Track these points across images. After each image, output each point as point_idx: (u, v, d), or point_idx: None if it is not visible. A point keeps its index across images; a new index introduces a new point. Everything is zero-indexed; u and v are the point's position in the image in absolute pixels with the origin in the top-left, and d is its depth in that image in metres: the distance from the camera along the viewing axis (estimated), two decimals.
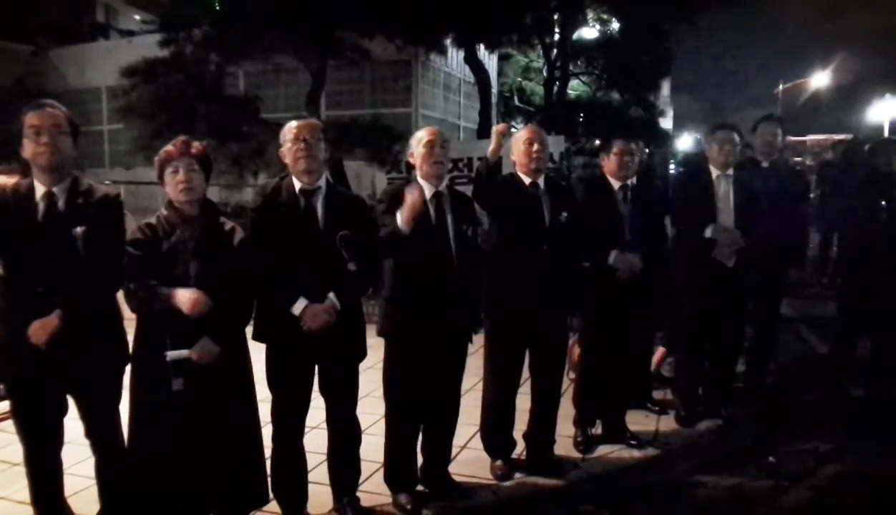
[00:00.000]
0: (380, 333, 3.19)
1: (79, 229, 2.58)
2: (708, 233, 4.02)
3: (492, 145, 3.26)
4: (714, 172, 4.15)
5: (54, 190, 2.62)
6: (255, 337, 2.95)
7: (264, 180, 3.02)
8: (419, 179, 3.18)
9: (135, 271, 2.63)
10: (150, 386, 2.70)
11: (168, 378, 2.62)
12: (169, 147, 2.74)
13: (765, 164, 4.61)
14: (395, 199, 3.10)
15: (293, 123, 2.96)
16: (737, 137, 4.15)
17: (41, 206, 2.60)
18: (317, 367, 3.00)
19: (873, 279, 4.34)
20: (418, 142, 3.17)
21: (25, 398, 2.67)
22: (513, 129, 3.49)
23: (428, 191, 3.15)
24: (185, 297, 2.57)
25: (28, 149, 2.59)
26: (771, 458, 3.98)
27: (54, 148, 2.57)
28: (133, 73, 8.05)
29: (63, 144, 2.61)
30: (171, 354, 2.61)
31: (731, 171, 4.15)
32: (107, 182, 2.85)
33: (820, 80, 31.20)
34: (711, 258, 4.02)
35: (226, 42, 7.81)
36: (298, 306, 2.82)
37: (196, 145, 2.78)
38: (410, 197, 2.91)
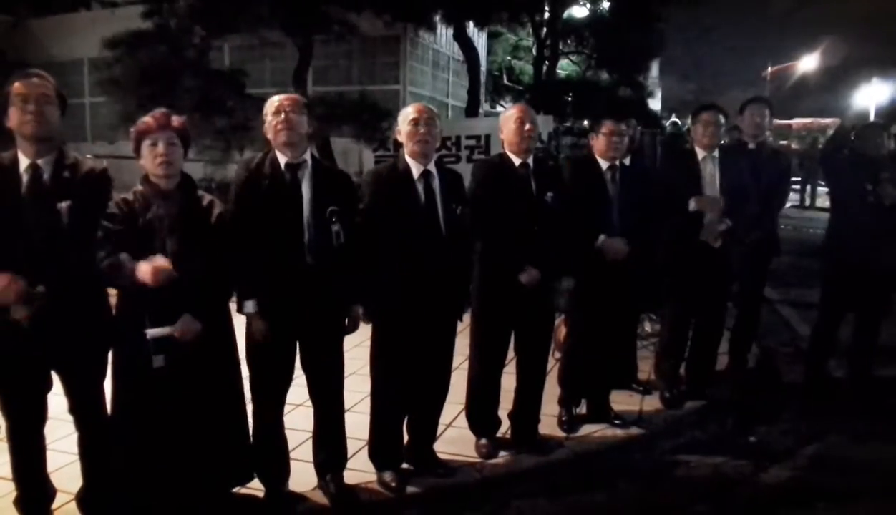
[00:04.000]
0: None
1: (64, 203, 2.53)
2: (692, 205, 4.01)
3: None
4: (700, 153, 4.15)
5: (39, 162, 2.56)
6: (239, 310, 2.93)
7: (250, 156, 2.98)
8: (406, 157, 3.15)
9: (108, 245, 2.58)
10: (131, 364, 2.68)
11: (149, 355, 2.60)
12: (147, 118, 2.68)
13: (751, 146, 4.62)
14: (377, 182, 3.10)
15: (275, 97, 2.93)
16: (722, 118, 4.14)
17: (25, 179, 2.54)
18: (298, 343, 2.99)
19: (858, 262, 4.37)
20: (404, 118, 3.13)
21: (9, 373, 2.63)
22: (500, 109, 3.47)
23: (416, 170, 3.13)
24: (145, 269, 2.49)
25: (14, 118, 2.53)
26: (752, 438, 4.03)
27: (41, 117, 2.52)
28: (116, 45, 7.88)
29: (50, 114, 2.56)
30: (152, 332, 2.59)
31: (716, 153, 4.15)
32: (89, 156, 2.79)
33: (807, 63, 31.29)
34: (698, 239, 4.04)
35: (210, 14, 7.67)
36: (249, 307, 2.83)
37: (176, 119, 2.73)
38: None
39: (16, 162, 2.56)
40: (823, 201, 7.17)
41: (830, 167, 4.96)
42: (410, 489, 3.23)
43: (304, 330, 2.93)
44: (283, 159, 2.89)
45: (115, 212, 2.63)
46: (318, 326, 2.94)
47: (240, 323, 2.93)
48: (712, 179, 4.11)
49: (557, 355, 4.33)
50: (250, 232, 2.81)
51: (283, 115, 2.85)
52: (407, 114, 3.14)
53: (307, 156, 2.94)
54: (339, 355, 3.08)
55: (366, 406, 3.34)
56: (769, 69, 31.11)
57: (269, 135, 2.91)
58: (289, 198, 2.86)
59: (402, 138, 3.16)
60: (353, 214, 2.99)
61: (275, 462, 3.06)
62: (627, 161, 3.93)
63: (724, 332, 4.68)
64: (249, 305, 2.85)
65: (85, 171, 2.64)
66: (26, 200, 2.53)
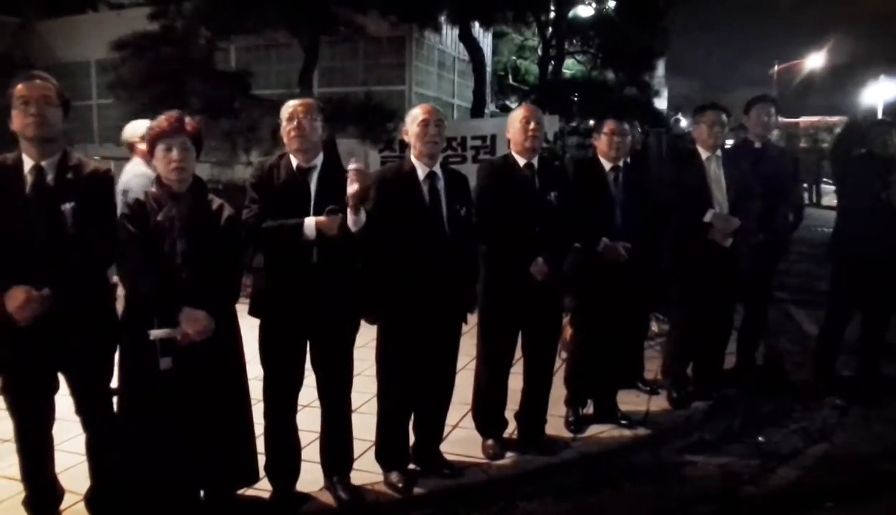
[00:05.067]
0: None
1: (68, 205, 2.54)
2: (707, 217, 4.01)
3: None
4: (703, 154, 4.13)
5: (43, 164, 2.56)
6: (251, 312, 2.96)
7: (256, 157, 3.02)
8: (413, 158, 3.15)
9: (130, 253, 2.62)
10: (137, 366, 2.69)
11: (156, 357, 2.61)
12: (162, 121, 2.69)
13: (757, 145, 4.59)
14: (382, 185, 3.09)
15: (290, 103, 2.95)
16: (724, 117, 4.12)
17: (29, 180, 2.55)
18: (309, 343, 3.00)
19: (866, 261, 4.35)
20: (413, 120, 3.13)
21: (16, 374, 2.64)
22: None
23: (421, 171, 3.13)
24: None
25: (16, 120, 2.54)
26: (760, 438, 4.02)
27: (42, 119, 2.52)
28: (122, 47, 7.91)
29: (52, 116, 2.56)
30: (155, 333, 2.59)
31: (719, 152, 4.13)
32: (96, 157, 2.80)
33: (814, 61, 31.16)
34: (707, 240, 4.01)
35: (216, 16, 7.68)
36: (309, 224, 2.80)
37: (190, 122, 2.74)
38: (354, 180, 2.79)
39: (20, 163, 2.57)
40: (830, 200, 7.19)
41: (841, 165, 4.93)
42: (417, 490, 3.23)
43: (315, 330, 2.94)
44: (295, 162, 2.92)
45: (127, 214, 2.65)
46: (329, 326, 2.95)
47: (248, 325, 2.93)
48: (717, 179, 4.09)
49: (564, 355, 4.32)
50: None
51: (295, 122, 2.88)
52: (416, 115, 3.14)
53: (318, 160, 2.95)
54: (349, 355, 3.09)
55: (372, 406, 3.34)
56: (776, 67, 31.02)
57: (284, 140, 2.94)
58: (298, 200, 2.88)
59: (409, 139, 3.17)
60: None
61: (286, 463, 3.07)
62: (628, 160, 3.92)
63: (732, 331, 4.67)
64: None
65: (88, 172, 2.65)
66: (30, 202, 2.54)
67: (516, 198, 3.39)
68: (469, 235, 3.24)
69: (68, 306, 2.52)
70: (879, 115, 21.10)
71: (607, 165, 3.81)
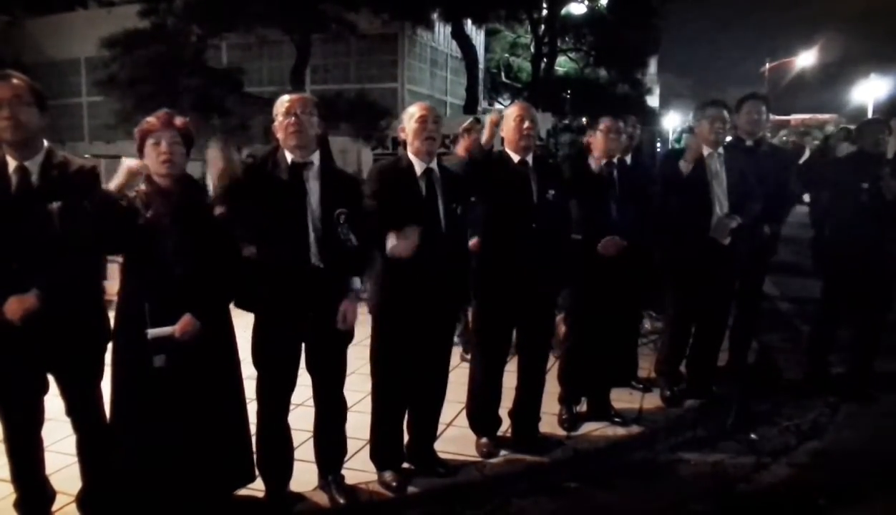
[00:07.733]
0: (371, 311, 3.17)
1: (55, 204, 2.51)
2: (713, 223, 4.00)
3: (486, 134, 3.26)
4: (705, 151, 4.12)
5: (26, 164, 2.53)
6: (238, 305, 2.91)
7: (256, 149, 2.98)
8: (410, 155, 3.14)
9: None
10: (131, 364, 2.68)
11: (149, 355, 2.59)
12: (151, 118, 2.69)
13: (749, 143, 4.59)
14: (381, 177, 3.07)
15: (286, 97, 2.91)
16: (726, 114, 4.12)
17: (14, 181, 2.52)
18: (304, 345, 2.98)
19: (858, 259, 4.37)
20: (410, 117, 3.11)
21: (4, 375, 2.61)
22: (499, 107, 3.48)
23: (419, 168, 3.11)
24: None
25: None
26: (753, 435, 4.03)
27: (17, 121, 2.48)
28: (113, 45, 7.88)
29: (26, 117, 2.51)
30: (153, 332, 2.58)
31: (720, 150, 4.13)
32: (86, 155, 2.77)
33: (805, 59, 31.28)
34: (706, 237, 4.02)
35: (208, 13, 7.66)
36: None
37: (179, 118, 2.73)
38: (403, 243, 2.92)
39: (4, 165, 2.54)
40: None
41: (828, 166, 4.93)
42: (411, 488, 3.22)
43: (310, 332, 2.92)
44: (289, 157, 2.88)
45: (122, 204, 2.63)
46: (325, 329, 2.93)
47: (242, 325, 2.92)
48: (718, 177, 4.08)
49: (557, 353, 4.32)
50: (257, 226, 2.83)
51: (293, 118, 2.83)
52: (413, 112, 3.12)
53: (315, 157, 2.92)
54: (344, 357, 3.08)
55: (366, 405, 3.33)
56: (767, 65, 31.13)
57: (279, 135, 2.89)
58: (292, 198, 2.84)
59: (405, 136, 3.15)
60: (361, 217, 2.97)
61: (279, 463, 3.05)
62: (629, 159, 3.91)
63: (726, 329, 4.68)
64: None
65: (74, 170, 2.62)
66: (16, 202, 2.51)
67: (511, 194, 3.38)
68: (465, 233, 3.23)
69: (57, 306, 2.50)
70: (870, 113, 21.22)
71: (602, 161, 3.81)
